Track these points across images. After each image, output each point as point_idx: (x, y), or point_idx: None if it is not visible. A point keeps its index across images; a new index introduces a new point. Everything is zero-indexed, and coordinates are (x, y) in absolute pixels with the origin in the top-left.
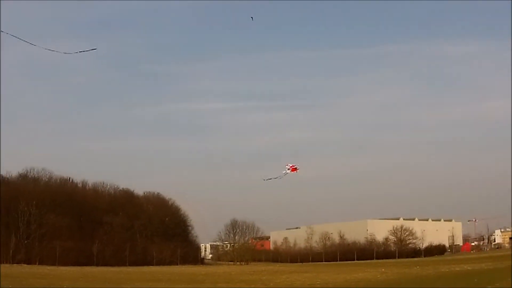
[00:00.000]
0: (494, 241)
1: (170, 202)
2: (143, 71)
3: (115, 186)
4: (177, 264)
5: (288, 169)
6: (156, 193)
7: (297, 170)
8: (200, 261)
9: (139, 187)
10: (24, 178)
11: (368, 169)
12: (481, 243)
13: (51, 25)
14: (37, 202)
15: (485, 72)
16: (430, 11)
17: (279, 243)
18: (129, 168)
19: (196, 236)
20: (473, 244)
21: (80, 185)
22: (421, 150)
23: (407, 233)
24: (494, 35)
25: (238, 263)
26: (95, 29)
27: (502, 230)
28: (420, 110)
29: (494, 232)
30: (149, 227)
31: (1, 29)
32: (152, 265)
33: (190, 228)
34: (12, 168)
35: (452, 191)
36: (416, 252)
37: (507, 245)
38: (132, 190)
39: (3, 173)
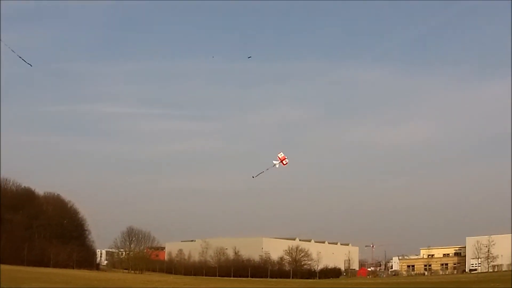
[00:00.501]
0: (391, 268)
1: (69, 205)
2: (52, 69)
3: (17, 184)
4: (73, 268)
5: (278, 162)
6: (56, 194)
7: (285, 164)
8: (96, 266)
9: (40, 186)
10: None
11: (267, 186)
12: (378, 269)
13: None
14: None
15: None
16: (343, 33)
17: (174, 254)
18: (32, 166)
19: (93, 241)
20: (369, 269)
21: None
22: (322, 172)
23: (302, 254)
24: (403, 61)
25: (132, 271)
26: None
27: (400, 257)
28: (322, 131)
29: (392, 259)
30: (48, 228)
31: None
32: (49, 266)
33: (87, 232)
34: None
35: (351, 216)
36: (311, 274)
37: (404, 272)
38: (33, 189)
39: None
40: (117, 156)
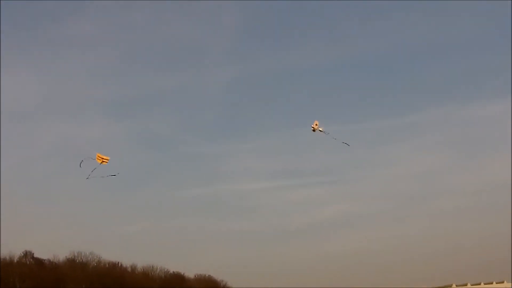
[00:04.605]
0: None
1: (222, 284)
2: (181, 152)
3: (165, 270)
4: None
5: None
6: (207, 275)
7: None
8: None
9: (189, 269)
10: (71, 262)
11: (411, 237)
12: None
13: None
14: (87, 287)
15: None
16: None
17: None
18: (178, 249)
19: None
20: None
21: (129, 269)
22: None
23: None
24: None
25: None
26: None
27: None
28: (457, 175)
29: None
30: None
31: None
32: None
33: None
34: (58, 252)
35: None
36: None
37: None
38: (182, 273)
39: (49, 257)
40: (260, 230)
